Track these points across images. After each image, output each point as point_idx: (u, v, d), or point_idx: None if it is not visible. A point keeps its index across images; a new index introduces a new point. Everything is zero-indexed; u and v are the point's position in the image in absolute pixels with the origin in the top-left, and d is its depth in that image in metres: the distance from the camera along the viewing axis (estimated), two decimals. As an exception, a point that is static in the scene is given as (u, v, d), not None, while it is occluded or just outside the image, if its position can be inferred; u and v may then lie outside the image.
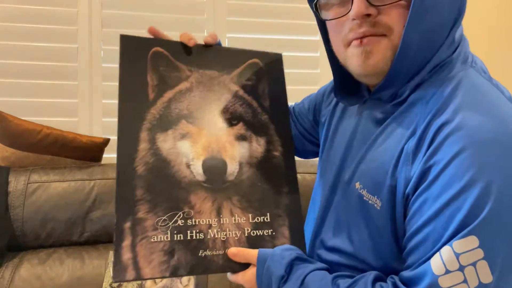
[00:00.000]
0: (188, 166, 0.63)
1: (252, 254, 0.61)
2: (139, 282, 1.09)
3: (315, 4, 0.64)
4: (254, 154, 0.68)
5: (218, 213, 0.61)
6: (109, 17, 1.71)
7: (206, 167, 0.63)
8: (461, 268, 0.48)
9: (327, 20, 0.62)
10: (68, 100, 1.67)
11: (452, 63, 0.58)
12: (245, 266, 0.61)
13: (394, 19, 0.55)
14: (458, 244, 0.48)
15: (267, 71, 0.74)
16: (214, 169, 0.63)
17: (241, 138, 0.68)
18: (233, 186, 0.64)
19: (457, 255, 0.48)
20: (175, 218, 0.59)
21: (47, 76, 1.66)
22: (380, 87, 0.60)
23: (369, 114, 0.66)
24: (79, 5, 1.69)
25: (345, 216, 0.65)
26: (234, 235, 0.61)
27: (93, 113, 1.69)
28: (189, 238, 0.58)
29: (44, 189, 1.34)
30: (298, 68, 1.87)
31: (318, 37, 1.91)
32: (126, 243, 0.56)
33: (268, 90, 0.73)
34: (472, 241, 0.48)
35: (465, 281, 0.48)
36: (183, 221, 0.59)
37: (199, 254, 0.58)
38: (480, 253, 0.48)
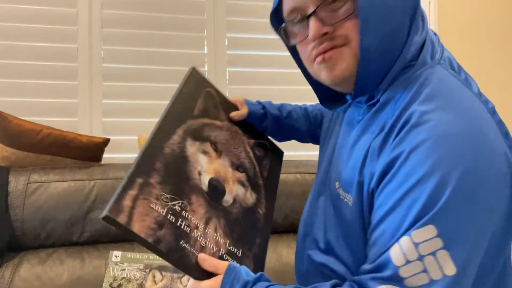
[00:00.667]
0: (199, 174, 0.73)
1: (222, 263, 0.63)
2: (140, 282, 1.10)
3: (281, 32, 0.70)
4: (246, 200, 0.80)
5: (206, 222, 0.69)
6: (109, 17, 1.71)
7: (211, 184, 0.73)
8: (421, 258, 0.48)
9: (293, 45, 0.70)
10: (68, 100, 1.67)
11: (419, 63, 0.60)
12: (208, 276, 0.63)
13: (349, 29, 0.59)
14: (417, 233, 0.49)
15: (272, 155, 0.93)
16: (216, 189, 0.74)
17: (241, 183, 0.80)
18: (224, 211, 0.73)
19: (416, 245, 0.49)
20: (175, 202, 0.66)
21: (47, 76, 1.66)
22: (355, 93, 0.63)
23: (349, 118, 0.71)
24: (79, 5, 1.69)
25: (327, 215, 0.68)
26: (211, 247, 0.67)
27: (93, 113, 1.69)
28: (178, 224, 0.64)
29: (44, 189, 1.34)
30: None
31: (318, 37, 1.91)
32: (131, 193, 0.61)
33: (268, 167, 0.90)
34: (430, 231, 0.48)
35: (425, 270, 0.48)
36: (179, 209, 0.66)
37: (180, 243, 0.63)
38: (439, 242, 0.48)
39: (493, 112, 0.58)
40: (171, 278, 1.12)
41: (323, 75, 0.65)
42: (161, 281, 1.11)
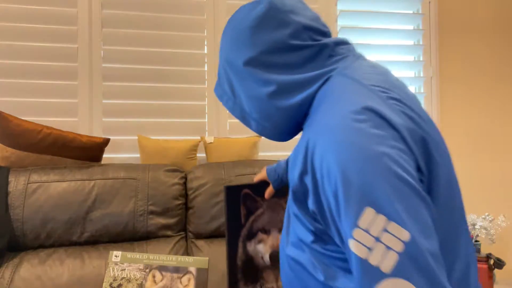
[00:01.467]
0: (262, 258, 1.11)
1: None
2: (140, 282, 1.10)
3: None
4: None
5: (276, 280, 1.09)
6: (109, 17, 1.71)
7: (271, 257, 1.11)
8: (378, 239, 0.50)
9: None
10: (68, 100, 1.67)
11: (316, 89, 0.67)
12: None
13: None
14: (361, 221, 0.51)
15: None
16: (275, 257, 1.10)
17: None
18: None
19: (366, 231, 0.51)
20: (257, 284, 1.10)
21: (47, 76, 1.66)
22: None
23: None
24: (79, 5, 1.69)
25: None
26: None
27: (93, 113, 1.69)
28: None
29: (44, 189, 1.34)
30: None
31: (318, 37, 1.91)
32: None
33: None
34: (370, 213, 0.51)
35: (388, 248, 0.50)
36: (260, 286, 1.11)
37: None
38: (382, 219, 0.51)
39: (388, 98, 0.60)
40: (171, 278, 1.12)
41: None
42: (161, 281, 1.11)
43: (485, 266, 1.42)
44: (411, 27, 2.03)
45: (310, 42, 0.67)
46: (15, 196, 1.31)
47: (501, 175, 2.07)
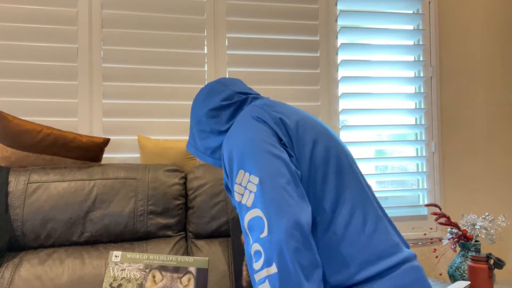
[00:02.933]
0: None
1: None
2: (140, 282, 1.10)
3: None
4: None
5: None
6: (109, 17, 1.71)
7: None
8: (245, 187, 0.82)
9: None
10: (68, 100, 1.67)
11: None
12: None
13: None
14: (237, 178, 0.85)
15: None
16: None
17: None
18: None
19: (240, 184, 0.84)
20: None
21: (47, 76, 1.66)
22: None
23: None
24: (79, 5, 1.69)
25: None
26: None
27: (93, 113, 1.69)
28: None
29: (44, 189, 1.34)
30: (298, 69, 1.87)
31: (318, 37, 1.91)
32: None
33: None
34: (240, 172, 0.84)
35: (250, 191, 0.81)
36: None
37: None
38: (247, 174, 0.83)
39: (267, 106, 0.97)
40: (171, 278, 1.12)
41: None
42: (161, 281, 1.11)
43: (485, 266, 1.42)
44: (411, 27, 2.03)
45: (236, 99, 1.07)
46: (15, 196, 1.31)
47: (501, 175, 2.07)
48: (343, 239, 0.83)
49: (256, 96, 1.08)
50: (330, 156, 0.90)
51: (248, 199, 0.80)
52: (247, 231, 0.80)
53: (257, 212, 0.78)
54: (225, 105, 1.05)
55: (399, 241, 0.87)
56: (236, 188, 0.83)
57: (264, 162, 0.82)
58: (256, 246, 0.76)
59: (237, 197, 0.83)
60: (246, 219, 0.79)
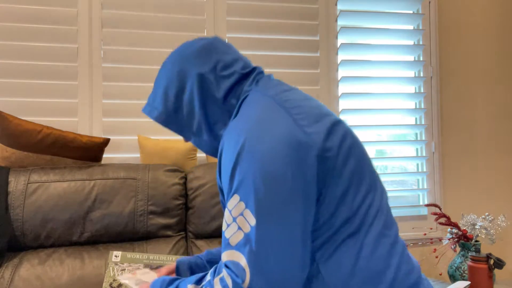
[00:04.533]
0: None
1: None
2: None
3: None
4: None
5: None
6: (109, 17, 1.71)
7: None
8: (234, 219, 0.66)
9: None
10: (68, 100, 1.67)
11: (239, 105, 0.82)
12: None
13: None
14: (229, 203, 0.68)
15: None
16: None
17: None
18: None
19: (230, 211, 0.67)
20: None
21: (47, 76, 1.66)
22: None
23: None
24: (79, 5, 1.69)
25: None
26: None
27: (93, 113, 1.69)
28: None
29: (44, 189, 1.34)
30: (298, 68, 1.87)
31: (318, 37, 1.91)
32: None
33: None
34: (235, 198, 0.67)
35: (239, 228, 0.66)
36: None
37: None
38: (242, 205, 0.66)
39: (290, 108, 0.74)
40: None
41: None
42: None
43: (485, 266, 1.42)
44: (411, 27, 2.03)
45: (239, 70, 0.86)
46: (15, 196, 1.31)
47: (501, 175, 2.07)
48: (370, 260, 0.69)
49: (260, 72, 0.87)
50: (364, 172, 0.74)
51: (233, 235, 0.65)
52: (224, 263, 0.67)
53: (240, 259, 0.64)
54: (226, 75, 0.83)
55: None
56: (225, 213, 0.68)
57: (275, 208, 0.65)
58: (228, 281, 0.65)
59: (223, 226, 0.68)
60: (225, 256, 0.66)
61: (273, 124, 0.69)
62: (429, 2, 2.03)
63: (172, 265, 1.03)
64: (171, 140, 1.63)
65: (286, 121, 0.70)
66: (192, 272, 1.01)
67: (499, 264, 1.41)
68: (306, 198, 0.66)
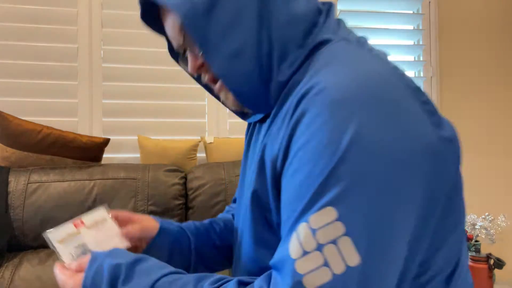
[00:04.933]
0: None
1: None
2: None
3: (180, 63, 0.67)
4: None
5: None
6: (109, 17, 1.71)
7: None
8: (320, 247, 0.40)
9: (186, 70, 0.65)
10: (68, 100, 1.67)
11: (320, 42, 0.54)
12: None
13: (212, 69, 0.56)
14: (314, 218, 0.41)
15: None
16: None
17: None
18: None
19: (314, 231, 0.41)
20: None
21: (47, 76, 1.66)
22: (254, 114, 0.64)
23: (263, 124, 0.62)
24: (79, 5, 1.69)
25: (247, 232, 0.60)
26: None
27: (93, 113, 1.69)
28: None
29: (44, 189, 1.34)
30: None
31: (318, 37, 1.91)
32: None
33: None
34: (329, 214, 0.40)
35: (326, 264, 0.39)
36: None
37: None
38: (340, 227, 0.40)
39: (416, 89, 0.48)
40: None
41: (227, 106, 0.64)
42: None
43: (485, 266, 1.42)
44: (411, 27, 2.03)
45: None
46: (15, 196, 1.31)
47: (501, 175, 2.07)
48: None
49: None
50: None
51: (312, 273, 0.40)
52: None
53: None
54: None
55: None
56: (302, 230, 0.42)
57: (385, 223, 0.41)
58: None
59: (293, 250, 0.42)
60: None
61: (401, 113, 0.44)
62: (429, 2, 2.03)
63: (143, 225, 0.70)
64: (171, 140, 1.63)
65: (417, 112, 0.45)
66: (170, 255, 0.72)
67: (499, 264, 1.42)
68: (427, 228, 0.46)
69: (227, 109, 1.82)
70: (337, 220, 0.40)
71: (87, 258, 0.59)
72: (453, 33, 2.05)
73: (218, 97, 0.67)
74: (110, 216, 0.69)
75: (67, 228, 0.65)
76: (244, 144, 0.76)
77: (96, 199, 1.35)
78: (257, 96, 0.56)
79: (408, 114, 0.44)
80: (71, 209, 1.33)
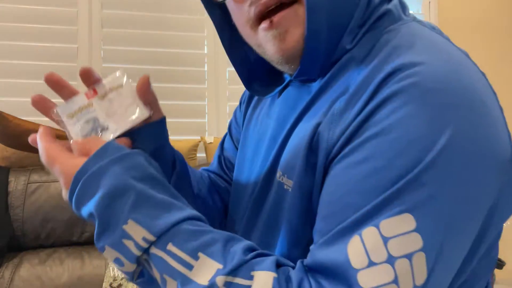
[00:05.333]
0: None
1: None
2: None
3: None
4: None
5: None
6: (109, 17, 1.71)
7: None
8: (391, 260, 0.34)
9: (222, 1, 0.50)
10: (68, 100, 1.67)
11: (384, 19, 0.47)
12: None
13: None
14: (388, 224, 0.34)
15: None
16: None
17: None
18: None
19: (386, 240, 0.34)
20: None
21: (47, 76, 1.66)
22: (302, 69, 0.47)
23: (288, 99, 0.53)
24: (79, 5, 1.69)
25: (273, 214, 0.50)
26: None
27: (93, 113, 1.69)
28: None
29: (44, 189, 1.34)
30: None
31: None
32: None
33: None
34: (407, 222, 0.34)
35: (395, 281, 0.33)
36: None
37: None
38: (417, 240, 0.34)
39: (494, 92, 0.45)
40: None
41: (270, 49, 0.47)
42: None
43: (485, 266, 1.42)
44: (411, 27, 2.04)
45: None
46: (15, 196, 1.31)
47: (501, 175, 2.07)
48: None
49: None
50: None
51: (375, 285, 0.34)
52: None
53: None
54: None
55: None
56: (370, 236, 0.35)
57: (458, 237, 0.37)
58: None
59: (355, 258, 0.35)
60: None
61: (492, 120, 0.39)
62: (429, 2, 2.03)
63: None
64: (171, 140, 1.63)
65: (501, 120, 0.41)
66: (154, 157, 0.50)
67: (499, 264, 1.41)
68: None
69: (227, 109, 1.83)
70: (415, 231, 0.34)
71: (95, 141, 0.46)
72: (452, 34, 2.05)
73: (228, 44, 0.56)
74: (130, 81, 0.56)
75: (79, 100, 0.52)
76: (237, 116, 0.68)
77: (96, 199, 1.35)
78: (328, 43, 0.45)
79: (497, 121, 0.40)
80: (71, 209, 1.33)
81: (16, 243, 1.30)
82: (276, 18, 0.44)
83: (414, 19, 0.49)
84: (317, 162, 0.43)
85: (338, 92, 0.44)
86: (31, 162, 1.41)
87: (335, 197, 0.39)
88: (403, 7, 0.50)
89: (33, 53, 1.64)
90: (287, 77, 0.56)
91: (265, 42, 0.47)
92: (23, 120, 1.41)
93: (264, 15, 0.45)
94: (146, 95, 0.55)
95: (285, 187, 0.47)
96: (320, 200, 0.41)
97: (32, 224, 1.30)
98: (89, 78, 0.52)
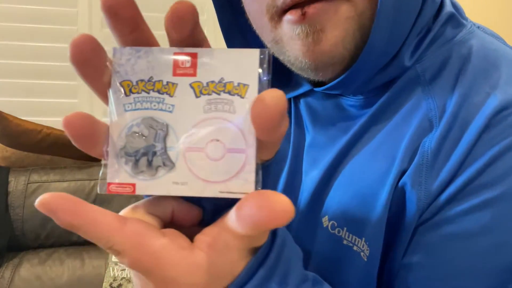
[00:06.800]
0: None
1: None
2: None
3: None
4: None
5: None
6: (109, 17, 1.71)
7: None
8: None
9: None
10: (68, 100, 1.67)
11: (448, 25, 0.38)
12: None
13: None
14: None
15: None
16: None
17: None
18: None
19: None
20: None
21: (47, 76, 1.66)
22: (345, 81, 0.36)
23: (316, 111, 0.43)
24: (79, 5, 1.69)
25: (326, 271, 0.37)
26: None
27: (93, 113, 1.68)
28: None
29: (44, 189, 1.34)
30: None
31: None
32: None
33: None
34: None
35: None
36: None
37: None
38: None
39: None
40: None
41: (295, 48, 0.35)
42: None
43: (485, 266, 1.42)
44: (411, 27, 2.04)
45: None
46: (15, 196, 1.31)
47: (501, 175, 2.08)
48: None
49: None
50: None
51: None
52: None
53: None
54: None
55: None
56: None
57: None
58: None
59: None
60: None
61: None
62: (429, 2, 2.03)
63: None
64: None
65: None
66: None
67: (499, 264, 1.42)
68: None
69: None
70: None
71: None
72: (453, 33, 2.06)
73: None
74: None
75: (162, 57, 0.28)
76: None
77: (96, 199, 1.35)
78: (386, 55, 0.35)
79: None
80: (71, 209, 1.33)
81: (16, 243, 1.30)
82: (311, 9, 0.32)
83: (474, 24, 0.41)
84: (402, 225, 0.33)
85: (414, 125, 0.34)
86: (31, 162, 1.41)
87: (437, 276, 0.30)
88: (456, 7, 0.41)
89: (33, 53, 1.64)
90: (304, 83, 0.44)
91: (289, 38, 0.35)
92: (23, 120, 1.41)
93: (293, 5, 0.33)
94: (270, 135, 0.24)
95: (355, 248, 0.36)
96: (405, 272, 0.32)
97: (32, 224, 1.30)
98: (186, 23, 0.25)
